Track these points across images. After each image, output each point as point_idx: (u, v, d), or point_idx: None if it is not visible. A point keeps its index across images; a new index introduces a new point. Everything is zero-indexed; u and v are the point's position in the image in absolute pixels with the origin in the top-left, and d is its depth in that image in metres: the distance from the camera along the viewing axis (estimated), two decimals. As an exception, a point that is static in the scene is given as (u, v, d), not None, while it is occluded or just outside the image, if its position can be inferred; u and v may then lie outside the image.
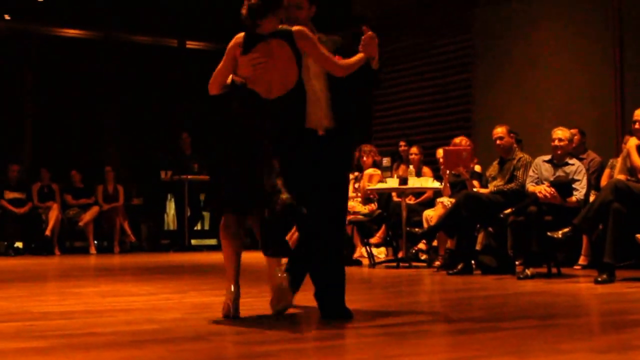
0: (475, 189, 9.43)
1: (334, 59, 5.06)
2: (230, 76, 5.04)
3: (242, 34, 5.07)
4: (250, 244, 9.66)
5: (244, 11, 4.98)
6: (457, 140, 10.13)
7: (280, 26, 5.05)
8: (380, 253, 11.75)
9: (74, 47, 16.87)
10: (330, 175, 5.18)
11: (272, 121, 4.99)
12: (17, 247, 14.59)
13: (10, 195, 14.52)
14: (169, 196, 16.79)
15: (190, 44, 17.61)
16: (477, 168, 10.27)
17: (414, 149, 11.42)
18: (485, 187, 9.44)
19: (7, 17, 16.61)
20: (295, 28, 5.00)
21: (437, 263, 9.73)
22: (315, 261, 5.22)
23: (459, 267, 8.89)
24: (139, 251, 15.04)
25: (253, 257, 7.34)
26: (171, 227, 17.11)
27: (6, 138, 16.28)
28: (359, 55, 5.12)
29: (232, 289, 5.02)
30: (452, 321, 5.14)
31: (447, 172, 10.07)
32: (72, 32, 16.86)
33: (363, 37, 5.16)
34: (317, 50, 4.99)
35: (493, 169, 9.43)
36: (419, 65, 14.50)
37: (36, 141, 16.48)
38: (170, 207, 17.05)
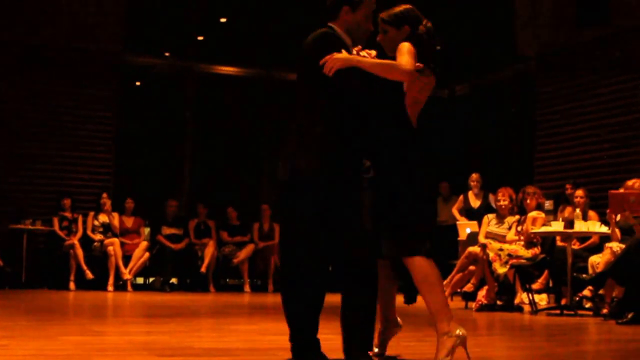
0: (647, 235, 9.01)
1: None
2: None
3: None
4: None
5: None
6: (630, 182, 9.73)
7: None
8: (541, 300, 11.36)
9: (232, 85, 17.09)
10: None
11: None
12: (172, 283, 14.74)
13: (167, 231, 14.73)
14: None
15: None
16: (650, 213, 9.79)
17: (579, 192, 11.03)
18: (659, 233, 9.00)
19: (167, 54, 16.99)
20: None
21: (605, 311, 9.28)
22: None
23: (629, 316, 8.44)
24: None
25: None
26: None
27: (165, 173, 16.59)
28: None
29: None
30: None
31: (614, 216, 9.66)
32: (231, 70, 17.09)
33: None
34: None
35: (666, 214, 9.00)
36: (584, 106, 14.05)
37: (194, 177, 16.72)
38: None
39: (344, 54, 4.47)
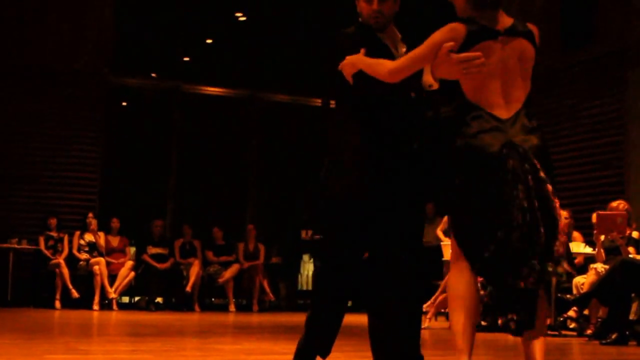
0: (631, 256, 9.06)
1: None
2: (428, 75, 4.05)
3: (462, 26, 3.97)
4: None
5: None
6: (614, 204, 9.77)
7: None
8: (525, 320, 11.37)
9: (218, 105, 17.17)
10: None
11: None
12: (158, 302, 14.74)
13: (153, 250, 14.73)
14: (304, 257, 16.89)
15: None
16: (635, 234, 9.84)
17: (564, 213, 11.02)
18: (642, 254, 9.07)
19: (153, 75, 17.06)
20: (531, 25, 4.09)
21: (589, 332, 9.32)
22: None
23: (613, 337, 8.49)
24: (277, 310, 14.99)
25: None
26: (304, 287, 17.13)
27: (151, 193, 16.62)
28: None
29: None
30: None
31: (601, 237, 9.71)
32: (216, 90, 17.16)
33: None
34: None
35: (651, 235, 9.07)
36: (568, 127, 14.15)
37: (179, 197, 16.74)
38: (305, 268, 17.10)
39: (354, 57, 4.13)
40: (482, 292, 10.37)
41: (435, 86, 4.06)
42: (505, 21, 4.01)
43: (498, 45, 3.94)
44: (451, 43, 3.87)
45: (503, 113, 3.95)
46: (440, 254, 13.14)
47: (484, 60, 3.86)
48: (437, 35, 3.93)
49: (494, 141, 3.88)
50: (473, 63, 3.85)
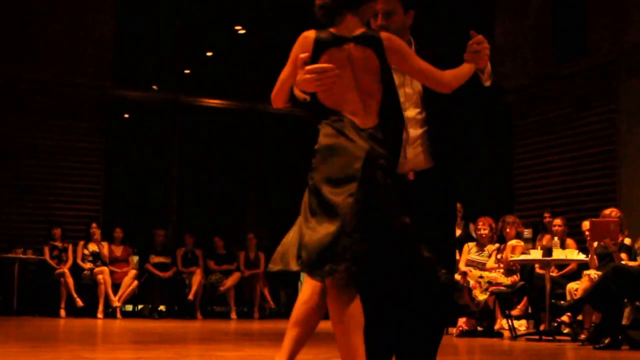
0: (623, 262, 9.22)
1: (436, 71, 3.88)
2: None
3: (312, 33, 3.83)
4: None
5: (317, 0, 3.83)
6: (607, 211, 9.95)
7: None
8: (520, 325, 11.54)
9: (218, 117, 17.29)
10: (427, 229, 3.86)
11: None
12: (160, 310, 14.88)
13: (155, 259, 14.86)
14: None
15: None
16: (627, 241, 10.02)
17: (557, 221, 11.23)
18: (634, 260, 9.21)
19: (154, 87, 17.23)
20: (383, 34, 3.84)
21: (583, 337, 9.49)
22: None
23: (606, 341, 8.63)
24: (278, 317, 15.11)
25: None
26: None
27: (153, 203, 16.75)
28: (466, 65, 3.99)
29: None
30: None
31: (594, 244, 9.87)
32: (217, 102, 17.27)
33: (469, 43, 3.99)
34: (414, 61, 3.85)
35: (642, 241, 9.22)
36: (563, 137, 14.30)
37: (181, 207, 16.86)
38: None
39: None
40: (479, 299, 10.57)
41: (309, 99, 3.87)
42: (357, 30, 3.80)
43: (346, 54, 3.76)
44: (306, 54, 3.75)
45: (363, 122, 3.77)
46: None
47: (337, 71, 3.72)
48: (294, 47, 3.82)
49: (357, 150, 3.69)
50: (326, 75, 3.72)
